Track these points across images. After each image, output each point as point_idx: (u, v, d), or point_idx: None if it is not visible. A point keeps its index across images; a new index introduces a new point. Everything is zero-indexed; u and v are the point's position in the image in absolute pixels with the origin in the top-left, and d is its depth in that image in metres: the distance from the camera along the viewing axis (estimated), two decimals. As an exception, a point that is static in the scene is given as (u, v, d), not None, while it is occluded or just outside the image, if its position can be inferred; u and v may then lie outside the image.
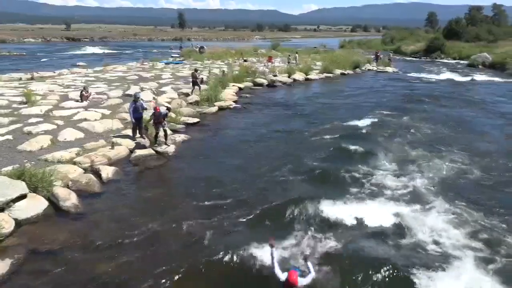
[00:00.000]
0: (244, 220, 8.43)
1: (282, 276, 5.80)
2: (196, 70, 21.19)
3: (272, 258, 6.04)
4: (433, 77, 34.59)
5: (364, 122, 16.61)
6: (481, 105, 21.76)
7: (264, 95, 23.81)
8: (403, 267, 6.76)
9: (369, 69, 39.21)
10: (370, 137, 14.36)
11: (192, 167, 11.55)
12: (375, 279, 6.53)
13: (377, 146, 13.23)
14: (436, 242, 7.70)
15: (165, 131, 12.86)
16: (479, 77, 34.86)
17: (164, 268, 6.82)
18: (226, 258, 7.01)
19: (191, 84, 20.76)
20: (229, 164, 11.82)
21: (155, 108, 12.75)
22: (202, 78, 22.00)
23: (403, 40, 72.03)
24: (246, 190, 9.88)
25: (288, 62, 35.34)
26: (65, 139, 12.51)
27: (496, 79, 33.68)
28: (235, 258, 6.99)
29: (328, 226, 8.13)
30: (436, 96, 24.09)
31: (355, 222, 8.30)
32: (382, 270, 6.64)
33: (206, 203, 9.20)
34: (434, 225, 8.31)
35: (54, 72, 27.83)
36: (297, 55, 38.38)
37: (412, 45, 65.37)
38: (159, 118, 12.61)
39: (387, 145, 13.45)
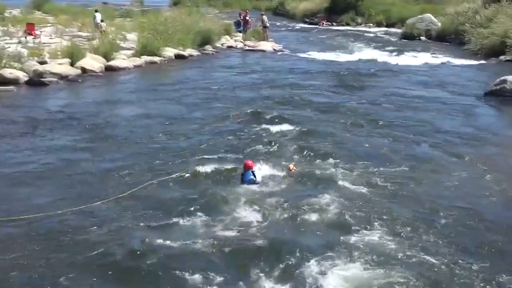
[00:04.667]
0: None
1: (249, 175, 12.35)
2: None
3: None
4: (343, 58, 34.26)
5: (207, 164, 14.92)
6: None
7: (20, 104, 21.41)
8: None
9: (229, 46, 39.60)
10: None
11: None
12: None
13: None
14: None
15: None
16: (423, 57, 34.86)
17: None
18: None
19: None
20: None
21: None
22: None
23: (288, -8, 74.18)
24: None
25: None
26: None
27: (453, 60, 33.61)
28: None
29: None
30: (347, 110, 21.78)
31: None
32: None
33: None
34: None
35: None
36: (103, 24, 38.27)
37: (305, 1, 67.03)
38: None
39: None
